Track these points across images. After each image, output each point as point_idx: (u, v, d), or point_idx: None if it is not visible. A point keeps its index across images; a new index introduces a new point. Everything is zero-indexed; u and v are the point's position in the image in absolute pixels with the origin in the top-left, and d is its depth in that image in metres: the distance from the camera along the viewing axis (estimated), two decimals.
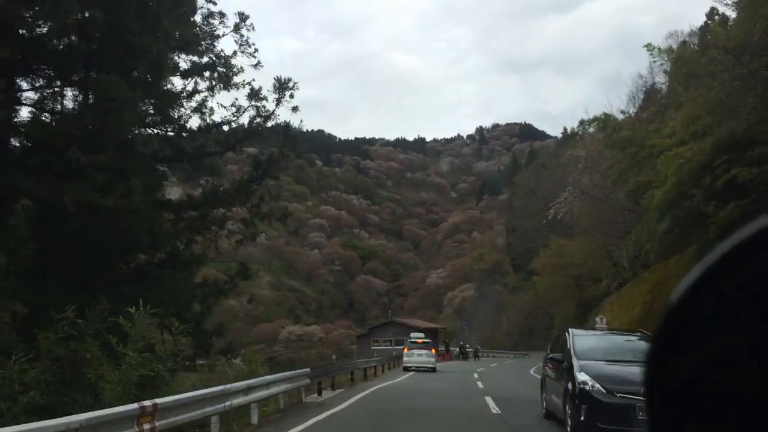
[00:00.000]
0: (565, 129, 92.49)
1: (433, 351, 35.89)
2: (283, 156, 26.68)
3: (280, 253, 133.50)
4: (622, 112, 43.23)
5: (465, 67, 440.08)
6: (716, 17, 29.86)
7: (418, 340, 36.40)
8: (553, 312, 61.97)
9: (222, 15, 24.94)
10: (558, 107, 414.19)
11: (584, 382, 10.69)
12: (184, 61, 24.90)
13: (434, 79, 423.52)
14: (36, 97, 20.38)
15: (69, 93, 20.92)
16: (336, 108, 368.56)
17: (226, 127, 26.84)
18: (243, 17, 25.16)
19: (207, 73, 24.95)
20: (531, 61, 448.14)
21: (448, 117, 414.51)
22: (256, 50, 25.21)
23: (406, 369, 34.84)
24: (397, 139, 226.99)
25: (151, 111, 23.41)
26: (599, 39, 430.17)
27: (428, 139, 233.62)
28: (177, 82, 24.73)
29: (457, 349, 57.72)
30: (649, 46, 29.15)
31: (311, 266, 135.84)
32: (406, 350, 35.65)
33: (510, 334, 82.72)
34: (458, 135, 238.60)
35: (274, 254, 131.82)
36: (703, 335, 0.72)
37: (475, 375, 29.57)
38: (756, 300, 0.70)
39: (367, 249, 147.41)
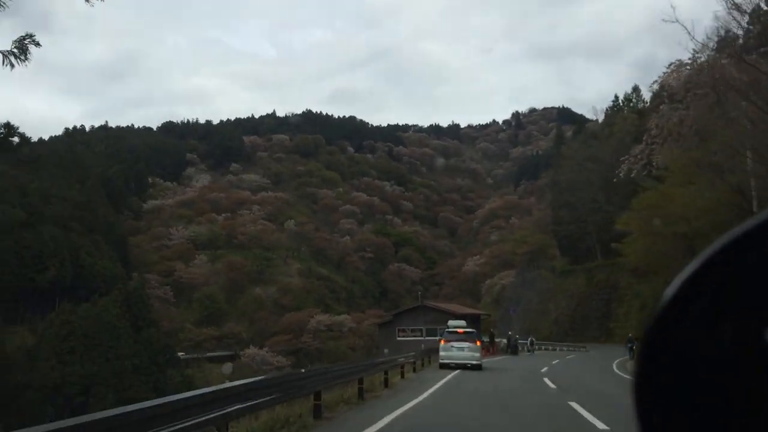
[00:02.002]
0: (616, 97, 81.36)
1: (478, 343, 26.14)
2: None
3: (309, 239, 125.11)
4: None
5: (495, 55, 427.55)
6: None
7: (459, 330, 27.06)
8: (643, 289, 50.31)
9: None
10: (591, 94, 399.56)
11: None
12: None
13: (465, 68, 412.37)
14: None
15: None
16: (367, 98, 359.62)
17: None
18: None
19: None
20: (563, 47, 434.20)
21: (480, 105, 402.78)
22: None
23: (443, 366, 25.29)
24: (431, 125, 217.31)
25: None
26: (633, 22, 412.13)
27: (462, 125, 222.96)
28: None
29: (504, 341, 47.51)
30: None
31: (342, 253, 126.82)
32: (442, 342, 26.41)
33: (558, 323, 72.15)
34: (493, 120, 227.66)
35: (303, 241, 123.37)
36: (698, 332, 0.71)
37: (549, 382, 19.32)
38: (754, 296, 0.68)
39: (400, 236, 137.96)
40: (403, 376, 19.74)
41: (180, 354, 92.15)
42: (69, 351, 78.23)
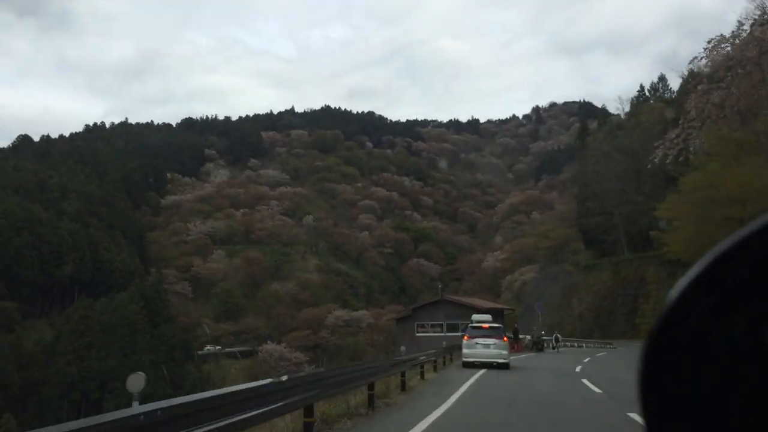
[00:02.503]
0: (641, 87, 78.31)
1: (505, 340, 23.75)
2: None
3: (327, 235, 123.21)
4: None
5: (516, 50, 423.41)
6: None
7: (484, 325, 24.53)
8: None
9: None
10: (612, 89, 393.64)
11: None
12: None
13: (484, 64, 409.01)
14: None
15: None
16: (385, 94, 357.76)
17: None
18: None
19: None
20: (584, 42, 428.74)
21: (500, 100, 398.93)
22: None
23: (467, 365, 23.02)
24: (450, 120, 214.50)
25: None
26: (656, 17, 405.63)
27: (482, 120, 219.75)
28: None
29: (529, 338, 45.02)
30: None
31: (361, 249, 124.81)
32: (466, 339, 23.85)
33: (582, 319, 69.44)
34: (513, 115, 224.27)
35: (322, 236, 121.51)
36: (703, 333, 0.70)
37: (591, 385, 16.89)
38: (758, 298, 0.67)
39: (419, 231, 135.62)
40: (422, 377, 17.48)
41: (208, 348, 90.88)
42: (86, 346, 77.12)
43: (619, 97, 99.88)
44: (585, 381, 16.84)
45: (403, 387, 14.24)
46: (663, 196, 52.01)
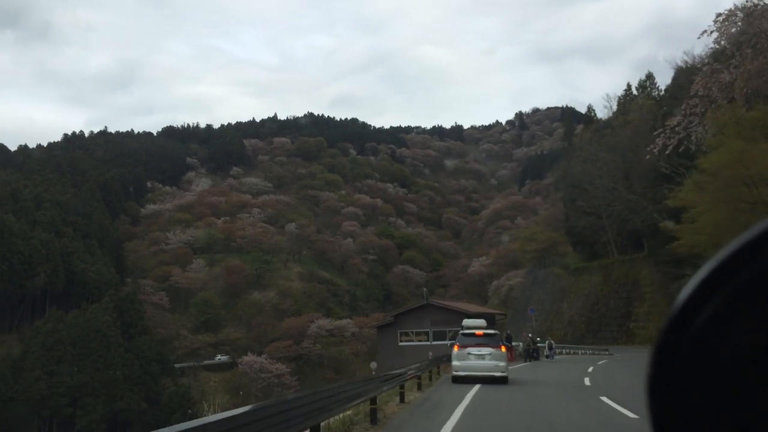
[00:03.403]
0: (628, 85, 75.46)
1: (503, 349, 20.02)
2: None
3: (310, 242, 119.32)
4: None
5: (497, 57, 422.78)
6: None
7: (477, 332, 20.74)
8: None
9: None
10: (594, 96, 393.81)
11: None
12: None
13: (467, 71, 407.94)
14: None
15: None
16: (369, 102, 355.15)
17: None
18: None
19: None
20: (564, 50, 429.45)
21: (483, 107, 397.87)
22: None
23: (457, 380, 19.37)
24: (434, 126, 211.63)
25: None
26: (633, 24, 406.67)
27: (466, 126, 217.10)
28: None
29: (520, 344, 41.17)
30: None
31: (344, 256, 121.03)
32: (456, 349, 19.99)
33: (573, 324, 66.15)
34: (496, 121, 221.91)
35: (305, 244, 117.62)
36: (710, 337, 0.69)
37: (617, 406, 13.12)
38: (764, 302, 0.66)
39: (404, 238, 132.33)
40: (402, 400, 13.94)
41: (219, 357, 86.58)
42: (56, 361, 72.82)
43: (607, 95, 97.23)
44: (605, 399, 13.34)
45: (374, 419, 10.50)
46: (656, 194, 48.96)
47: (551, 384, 18.67)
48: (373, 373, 14.10)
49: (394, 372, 13.60)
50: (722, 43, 27.70)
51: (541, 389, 16.91)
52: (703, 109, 30.29)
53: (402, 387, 13.85)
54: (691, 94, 30.51)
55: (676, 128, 31.76)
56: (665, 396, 0.71)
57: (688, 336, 0.69)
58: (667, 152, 33.12)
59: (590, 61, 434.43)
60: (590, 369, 24.91)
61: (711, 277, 0.68)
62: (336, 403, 7.66)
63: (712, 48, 31.08)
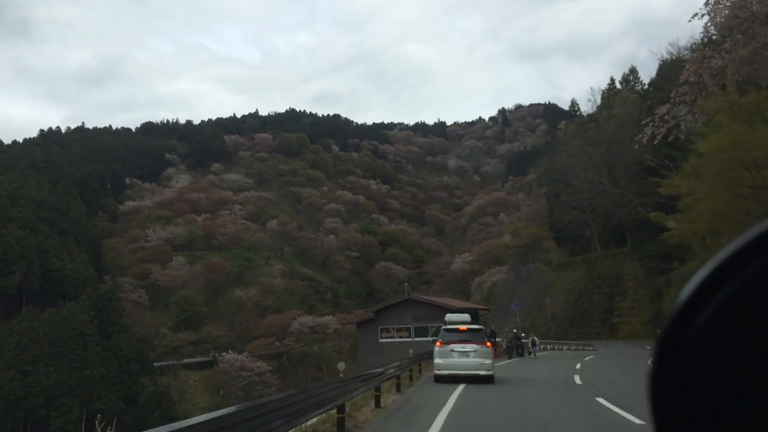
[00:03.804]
0: (612, 80, 74.78)
1: (489, 345, 18.85)
2: None
3: (292, 239, 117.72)
4: None
5: (479, 55, 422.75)
6: None
7: (461, 327, 19.22)
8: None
9: None
10: (574, 94, 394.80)
11: None
12: None
13: (449, 68, 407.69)
14: None
15: None
16: (351, 99, 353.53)
17: None
18: None
19: None
20: (546, 48, 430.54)
21: (466, 104, 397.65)
22: None
23: (440, 379, 18.14)
24: (417, 123, 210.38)
25: None
26: (614, 23, 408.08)
27: (449, 123, 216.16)
28: None
29: (502, 340, 39.65)
30: None
31: (327, 253, 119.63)
32: (438, 345, 18.66)
33: (556, 320, 65.31)
34: (479, 118, 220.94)
35: (287, 241, 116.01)
36: (711, 337, 0.69)
37: (625, 413, 11.85)
38: (765, 302, 0.66)
39: (387, 234, 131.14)
40: (378, 404, 12.40)
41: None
42: (31, 360, 70.82)
43: (591, 88, 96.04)
44: (602, 401, 12.16)
45: (342, 429, 9.04)
46: (641, 187, 48.14)
47: (540, 383, 17.48)
48: (341, 374, 12.76)
49: (370, 372, 12.31)
50: (714, 26, 26.70)
51: (531, 389, 15.70)
52: (693, 97, 29.33)
53: (378, 390, 12.51)
54: (681, 81, 29.52)
55: (665, 116, 30.78)
56: (667, 395, 0.71)
57: (690, 336, 0.69)
58: (655, 142, 32.12)
59: (572, 59, 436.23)
60: (578, 366, 23.83)
61: (712, 276, 0.68)
62: (285, 417, 6.26)
63: (699, 36, 30.09)
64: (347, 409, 9.65)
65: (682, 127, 30.34)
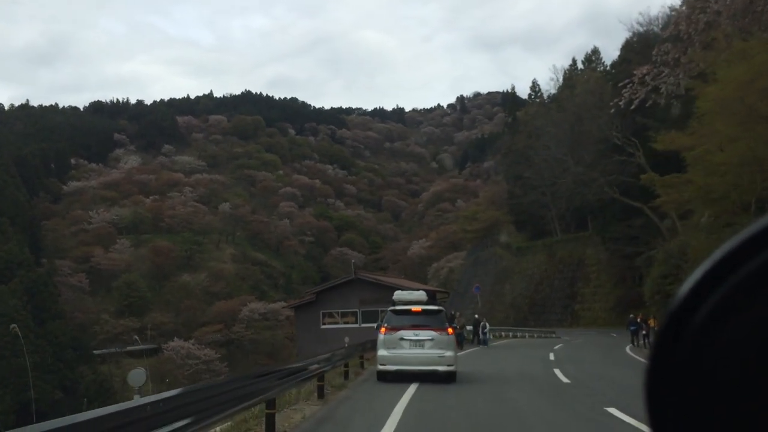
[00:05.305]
0: (573, 60, 71.97)
1: (450, 332, 14.61)
2: None
3: (245, 223, 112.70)
4: None
5: (437, 43, 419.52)
6: None
7: (414, 308, 14.90)
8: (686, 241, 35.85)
9: None
10: (531, 84, 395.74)
11: None
12: None
13: (407, 56, 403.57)
14: None
15: None
16: (308, 84, 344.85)
17: None
18: None
19: None
20: (502, 38, 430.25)
21: (424, 92, 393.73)
22: None
23: (383, 377, 14.12)
24: (375, 109, 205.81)
25: None
26: (569, 15, 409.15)
27: (407, 109, 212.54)
28: None
29: (458, 327, 34.64)
30: None
31: (281, 237, 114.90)
32: (383, 332, 14.44)
33: (516, 306, 62.30)
34: (438, 105, 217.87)
35: (239, 224, 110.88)
36: (710, 333, 0.68)
37: (635, 421, 8.12)
38: (763, 300, 0.66)
39: (342, 220, 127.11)
40: (272, 427, 7.72)
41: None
42: None
43: (554, 66, 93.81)
44: (614, 411, 8.42)
45: None
46: (606, 165, 45.11)
47: (517, 381, 13.63)
48: (137, 389, 8.64)
49: (277, 369, 8.16)
50: None
51: (509, 392, 11.87)
52: (676, 55, 25.90)
53: (271, 404, 8.15)
54: (674, 30, 26.05)
55: (645, 78, 27.32)
56: (664, 391, 0.69)
57: (688, 331, 0.68)
58: (632, 107, 28.70)
59: (528, 50, 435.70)
60: (551, 357, 20.24)
61: (711, 272, 0.67)
62: None
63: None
64: None
65: (662, 90, 27.02)
